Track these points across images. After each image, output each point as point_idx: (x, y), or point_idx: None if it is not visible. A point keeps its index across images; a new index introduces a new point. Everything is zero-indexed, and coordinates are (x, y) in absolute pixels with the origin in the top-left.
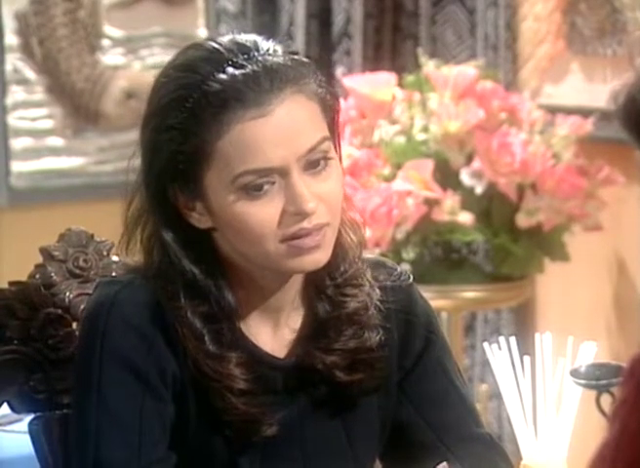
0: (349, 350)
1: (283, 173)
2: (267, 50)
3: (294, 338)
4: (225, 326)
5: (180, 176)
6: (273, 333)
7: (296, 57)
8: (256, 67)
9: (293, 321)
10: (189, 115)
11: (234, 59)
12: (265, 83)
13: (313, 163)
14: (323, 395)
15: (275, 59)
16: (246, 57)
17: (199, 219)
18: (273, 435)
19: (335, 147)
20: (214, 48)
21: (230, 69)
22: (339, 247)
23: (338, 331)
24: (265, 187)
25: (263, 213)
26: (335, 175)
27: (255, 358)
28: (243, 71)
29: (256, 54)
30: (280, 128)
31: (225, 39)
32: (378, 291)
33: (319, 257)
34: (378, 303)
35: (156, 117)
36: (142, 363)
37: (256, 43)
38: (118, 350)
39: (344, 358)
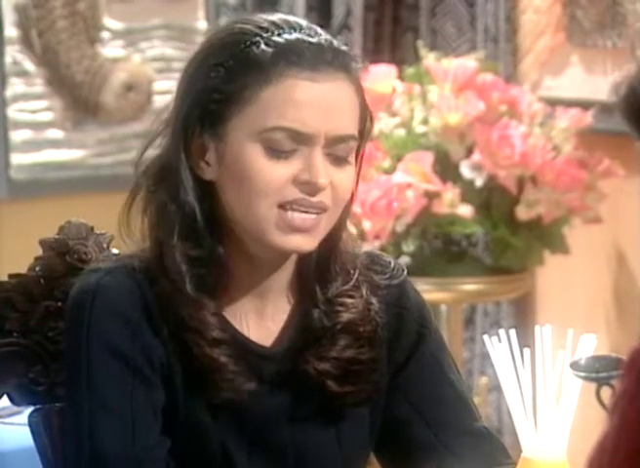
0: (344, 360)
1: (310, 142)
2: (338, 41)
3: (280, 330)
4: (210, 273)
5: (208, 116)
6: (258, 323)
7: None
8: (323, 41)
9: (279, 313)
10: (244, 56)
11: (304, 30)
12: (328, 55)
13: (335, 156)
14: (313, 397)
15: (342, 47)
16: (315, 32)
17: (203, 170)
18: (257, 414)
19: (356, 159)
20: (285, 18)
21: (298, 34)
22: (337, 259)
23: (331, 339)
24: (287, 152)
25: (275, 172)
26: (349, 174)
27: (238, 344)
28: (311, 39)
29: (325, 35)
30: (326, 100)
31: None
32: (376, 302)
33: (305, 242)
34: (376, 317)
35: (207, 52)
36: (129, 349)
37: (327, 35)
38: (104, 337)
39: (337, 367)
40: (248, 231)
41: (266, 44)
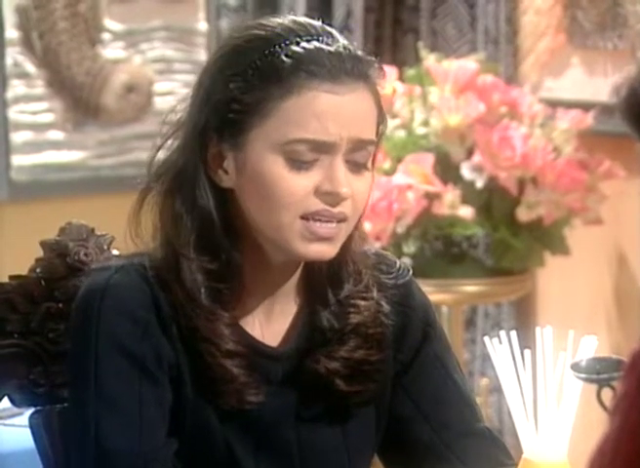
0: (354, 360)
1: (332, 150)
2: (355, 47)
3: (287, 330)
4: (226, 286)
5: (227, 126)
6: (265, 324)
7: (377, 65)
8: (342, 49)
9: (286, 314)
10: (263, 67)
11: (322, 38)
12: (348, 65)
13: (355, 162)
14: (319, 397)
15: (359, 52)
16: (332, 39)
17: (221, 177)
18: (264, 415)
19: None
20: (301, 22)
21: (317, 43)
22: (349, 261)
23: (340, 340)
24: (308, 163)
25: (297, 183)
26: (367, 182)
27: (248, 347)
28: (330, 48)
29: (343, 41)
30: (347, 111)
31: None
32: (385, 304)
33: (327, 250)
34: (385, 319)
35: (223, 61)
36: (138, 348)
37: (344, 40)
38: (112, 336)
39: (347, 367)
40: (269, 239)
41: (286, 55)
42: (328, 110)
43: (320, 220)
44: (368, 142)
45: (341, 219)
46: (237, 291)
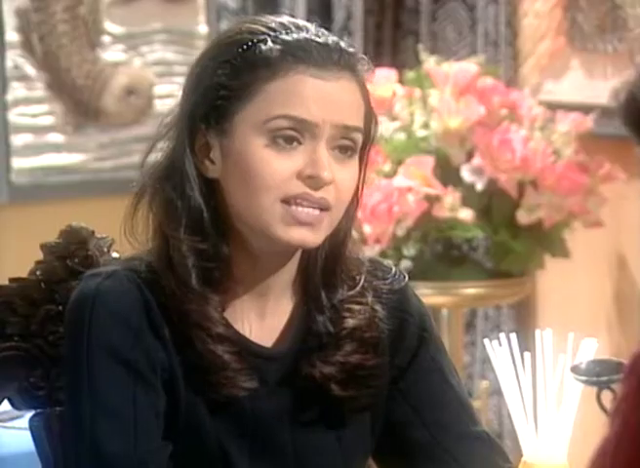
0: (349, 364)
1: (315, 133)
2: (346, 43)
3: (281, 331)
4: (216, 268)
5: (214, 112)
6: (258, 323)
7: (365, 61)
8: (330, 42)
9: (280, 313)
10: (251, 53)
11: (311, 31)
12: (335, 55)
13: (341, 147)
14: (314, 400)
15: (349, 48)
16: (322, 33)
17: (207, 168)
18: (259, 416)
19: (361, 164)
20: (293, 20)
21: (305, 34)
22: (343, 265)
23: (336, 344)
24: (294, 143)
25: (279, 165)
26: (353, 173)
27: (240, 344)
28: (318, 39)
29: (332, 36)
30: (332, 96)
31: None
32: (380, 309)
33: (309, 236)
34: (380, 324)
35: (214, 51)
36: (131, 352)
37: (334, 37)
38: (105, 341)
39: (342, 371)
40: (251, 226)
41: (274, 42)
42: (312, 93)
43: (301, 205)
44: (352, 129)
45: (324, 207)
46: (226, 278)
